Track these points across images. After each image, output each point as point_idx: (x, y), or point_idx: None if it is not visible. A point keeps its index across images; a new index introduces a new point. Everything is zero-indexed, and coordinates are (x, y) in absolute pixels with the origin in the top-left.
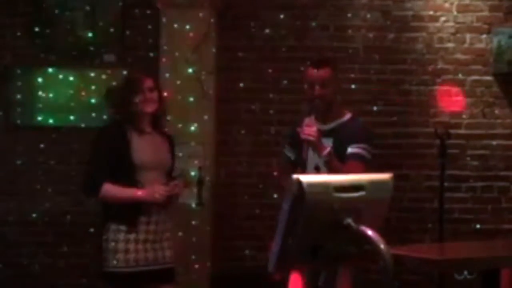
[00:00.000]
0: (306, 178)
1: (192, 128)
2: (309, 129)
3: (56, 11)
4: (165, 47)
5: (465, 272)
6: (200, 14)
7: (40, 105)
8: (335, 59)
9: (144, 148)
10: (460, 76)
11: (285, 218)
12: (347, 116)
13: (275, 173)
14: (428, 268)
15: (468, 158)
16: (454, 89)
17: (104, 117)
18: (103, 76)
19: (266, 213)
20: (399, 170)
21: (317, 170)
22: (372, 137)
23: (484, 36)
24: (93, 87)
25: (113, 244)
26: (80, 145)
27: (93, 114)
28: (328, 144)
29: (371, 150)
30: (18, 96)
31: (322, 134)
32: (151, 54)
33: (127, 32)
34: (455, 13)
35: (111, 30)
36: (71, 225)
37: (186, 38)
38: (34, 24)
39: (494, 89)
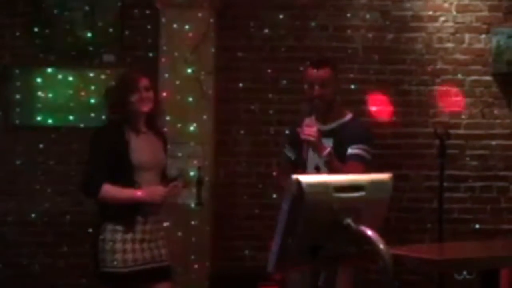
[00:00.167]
0: (305, 178)
1: (191, 128)
2: (309, 129)
3: (55, 11)
4: (164, 47)
5: (465, 272)
6: (199, 14)
7: (39, 105)
8: (335, 59)
9: (142, 148)
10: (459, 76)
11: (285, 218)
12: (348, 116)
13: (274, 173)
14: (428, 268)
15: (468, 158)
16: (454, 89)
17: (103, 117)
18: (102, 76)
19: (265, 213)
20: (398, 170)
21: (317, 170)
22: (372, 138)
23: (483, 36)
24: (92, 87)
25: (110, 244)
26: (80, 145)
27: (93, 114)
28: (328, 145)
29: (371, 150)
30: (17, 96)
31: (323, 134)
32: (150, 54)
33: (126, 32)
34: (454, 13)
35: (110, 30)
36: (70, 225)
37: (185, 38)
38: (33, 24)
39: (493, 89)
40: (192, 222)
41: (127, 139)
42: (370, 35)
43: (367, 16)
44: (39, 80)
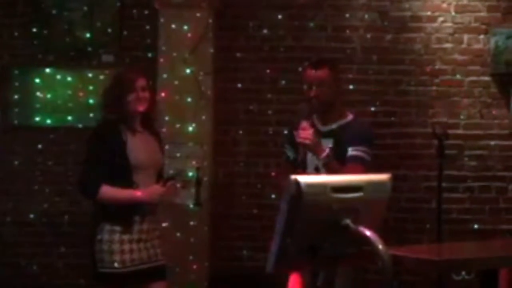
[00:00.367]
0: (304, 179)
1: (190, 128)
2: (305, 132)
3: (54, 12)
4: (163, 48)
5: (463, 273)
6: (198, 15)
7: (38, 106)
8: (335, 59)
9: (139, 147)
10: (458, 76)
11: (284, 218)
12: (349, 117)
13: (273, 173)
14: (427, 269)
15: (466, 159)
16: (452, 90)
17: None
18: (101, 77)
19: (264, 213)
20: (397, 170)
21: (317, 171)
22: (372, 138)
23: (482, 36)
24: (91, 88)
25: (108, 244)
26: (78, 146)
27: (91, 115)
28: (326, 146)
29: (370, 151)
30: (16, 97)
31: (322, 135)
32: (149, 55)
33: (125, 33)
34: (453, 13)
35: (109, 30)
36: (69, 225)
37: (184, 38)
38: (32, 24)
39: (492, 89)
40: (191, 223)
41: (124, 139)
42: (368, 35)
43: (366, 16)
44: (37, 80)
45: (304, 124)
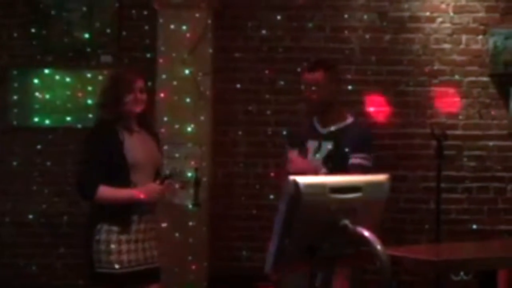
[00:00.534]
0: (302, 179)
1: (189, 129)
2: (295, 166)
3: (53, 12)
4: (161, 48)
5: (462, 273)
6: (197, 15)
7: (37, 106)
8: (334, 60)
9: (136, 147)
10: (456, 77)
11: (282, 219)
12: (349, 119)
13: (272, 174)
14: (425, 269)
15: (465, 159)
16: (451, 90)
17: (94, 116)
18: (100, 77)
19: (263, 214)
20: (395, 171)
21: (316, 174)
22: (372, 143)
23: (480, 37)
24: (89, 88)
25: (105, 245)
26: (77, 146)
27: (90, 115)
28: (319, 163)
29: (371, 157)
30: (15, 97)
31: (323, 137)
32: (148, 55)
33: (124, 33)
34: (451, 14)
35: (108, 31)
36: (67, 226)
37: (182, 39)
38: (31, 25)
39: (491, 90)
40: (190, 223)
41: (121, 139)
42: (367, 36)
43: (365, 17)
44: (36, 80)
45: (292, 154)
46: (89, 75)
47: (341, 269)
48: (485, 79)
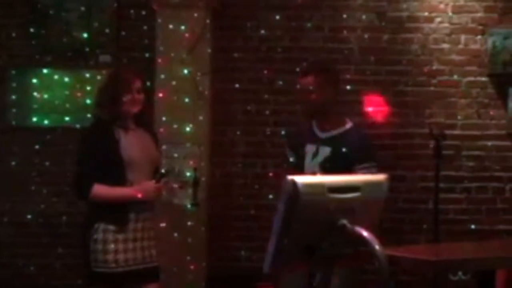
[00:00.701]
0: (301, 179)
1: (188, 129)
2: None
3: (51, 12)
4: (160, 48)
5: (460, 273)
6: (196, 15)
7: (35, 106)
8: (331, 61)
9: (132, 145)
10: (455, 77)
11: (280, 218)
12: (348, 125)
13: (270, 174)
14: (423, 269)
15: (463, 159)
16: (449, 90)
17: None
18: (99, 77)
19: (261, 214)
20: (394, 171)
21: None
22: (375, 150)
23: (479, 37)
24: (88, 88)
25: (102, 244)
26: (75, 146)
27: (89, 115)
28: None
29: (376, 164)
30: (13, 97)
31: (321, 142)
32: (147, 55)
33: (123, 33)
34: (450, 14)
35: (107, 30)
36: (66, 226)
37: (181, 39)
38: (29, 25)
39: (489, 90)
40: (188, 223)
41: (117, 137)
42: (366, 36)
43: (363, 17)
44: (35, 80)
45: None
46: (87, 75)
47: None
48: (483, 79)
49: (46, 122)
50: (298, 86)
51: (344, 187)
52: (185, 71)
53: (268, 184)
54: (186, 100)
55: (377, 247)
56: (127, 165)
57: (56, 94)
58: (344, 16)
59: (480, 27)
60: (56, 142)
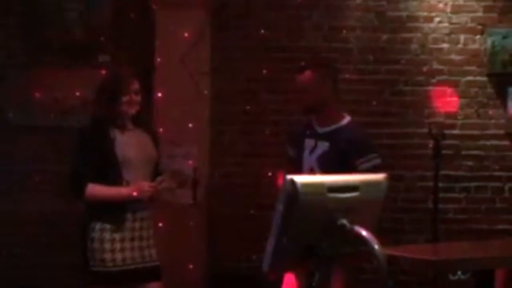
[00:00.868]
0: (300, 178)
1: (187, 128)
2: None
3: (51, 11)
4: (159, 47)
5: (459, 272)
6: (195, 14)
7: (35, 105)
8: (327, 62)
9: (128, 144)
10: (454, 76)
11: (279, 218)
12: (345, 120)
13: (269, 173)
14: (422, 268)
15: (463, 159)
16: (449, 90)
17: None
18: (98, 77)
19: (261, 214)
20: (393, 170)
21: (312, 172)
22: (373, 142)
23: (478, 36)
24: (87, 88)
25: (99, 243)
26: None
27: (88, 115)
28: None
29: (378, 155)
30: (13, 97)
31: (319, 136)
32: (146, 54)
33: (122, 32)
34: (449, 13)
35: (106, 30)
36: (65, 226)
37: (180, 38)
38: (28, 24)
39: (488, 89)
40: (187, 223)
41: (112, 137)
42: (365, 35)
43: (362, 16)
44: (34, 80)
45: None
46: (86, 75)
47: (338, 269)
48: (483, 78)
49: (45, 121)
50: (296, 83)
51: (343, 187)
52: (184, 71)
53: (267, 183)
54: (185, 99)
55: (376, 246)
56: (123, 165)
57: (56, 94)
58: (343, 15)
59: (480, 27)
60: (55, 142)
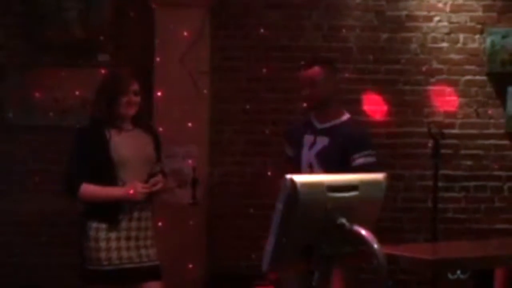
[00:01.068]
0: (299, 178)
1: (186, 127)
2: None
3: (50, 11)
4: (159, 47)
5: (458, 272)
6: (194, 14)
7: (34, 105)
8: (330, 59)
9: (123, 144)
10: (453, 76)
11: (279, 217)
12: (345, 116)
13: (269, 173)
14: (422, 268)
15: (462, 158)
16: (448, 89)
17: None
18: (97, 76)
19: (260, 213)
20: (392, 170)
21: (311, 168)
22: (371, 139)
23: (477, 36)
24: (87, 87)
25: (94, 242)
26: None
27: (87, 114)
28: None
29: (375, 153)
30: (12, 96)
31: (319, 132)
32: (145, 54)
33: (121, 32)
34: (448, 13)
35: (105, 29)
36: (65, 225)
37: (180, 37)
38: (28, 23)
39: (488, 89)
40: (187, 222)
41: (107, 137)
42: (364, 34)
43: (362, 16)
44: (34, 79)
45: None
46: (86, 74)
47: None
48: (482, 78)
49: (45, 121)
50: (301, 81)
51: (343, 186)
52: (184, 70)
53: (267, 183)
54: (185, 99)
55: (375, 245)
56: (118, 165)
57: (55, 93)
58: (343, 15)
59: (479, 26)
60: (55, 141)
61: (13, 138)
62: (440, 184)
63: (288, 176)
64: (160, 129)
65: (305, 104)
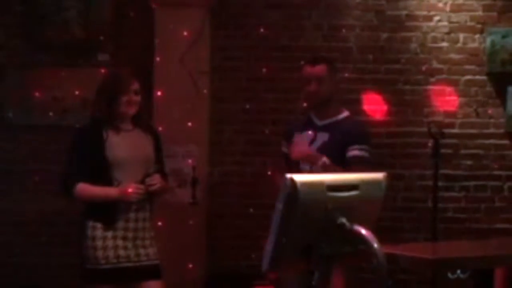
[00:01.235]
0: (299, 178)
1: (186, 127)
2: (299, 148)
3: (50, 10)
4: (159, 46)
5: (458, 271)
6: (194, 13)
7: (34, 104)
8: (331, 58)
9: (120, 145)
10: (453, 75)
11: (279, 217)
12: (344, 114)
13: (269, 173)
14: (422, 267)
15: (462, 158)
16: (448, 89)
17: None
18: (97, 76)
19: (260, 212)
20: (392, 169)
21: (310, 167)
22: (369, 136)
23: (477, 35)
24: (87, 87)
25: (91, 241)
26: None
27: (87, 114)
28: (322, 156)
29: (370, 149)
30: (12, 95)
31: (318, 128)
32: (145, 53)
33: (121, 31)
34: (448, 12)
35: (105, 29)
36: (65, 225)
37: (180, 37)
38: (28, 23)
39: (488, 88)
40: (187, 222)
41: (104, 137)
42: (364, 34)
43: (362, 15)
44: (34, 79)
45: (298, 138)
46: (86, 74)
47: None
48: (482, 77)
49: (45, 120)
50: (305, 77)
51: (343, 186)
52: (184, 70)
53: (266, 182)
54: (185, 98)
55: (375, 245)
56: (114, 165)
57: (55, 93)
58: (343, 14)
59: (479, 26)
60: (54, 141)
61: (13, 138)
62: (440, 183)
63: (288, 175)
64: (160, 129)
65: (305, 104)
